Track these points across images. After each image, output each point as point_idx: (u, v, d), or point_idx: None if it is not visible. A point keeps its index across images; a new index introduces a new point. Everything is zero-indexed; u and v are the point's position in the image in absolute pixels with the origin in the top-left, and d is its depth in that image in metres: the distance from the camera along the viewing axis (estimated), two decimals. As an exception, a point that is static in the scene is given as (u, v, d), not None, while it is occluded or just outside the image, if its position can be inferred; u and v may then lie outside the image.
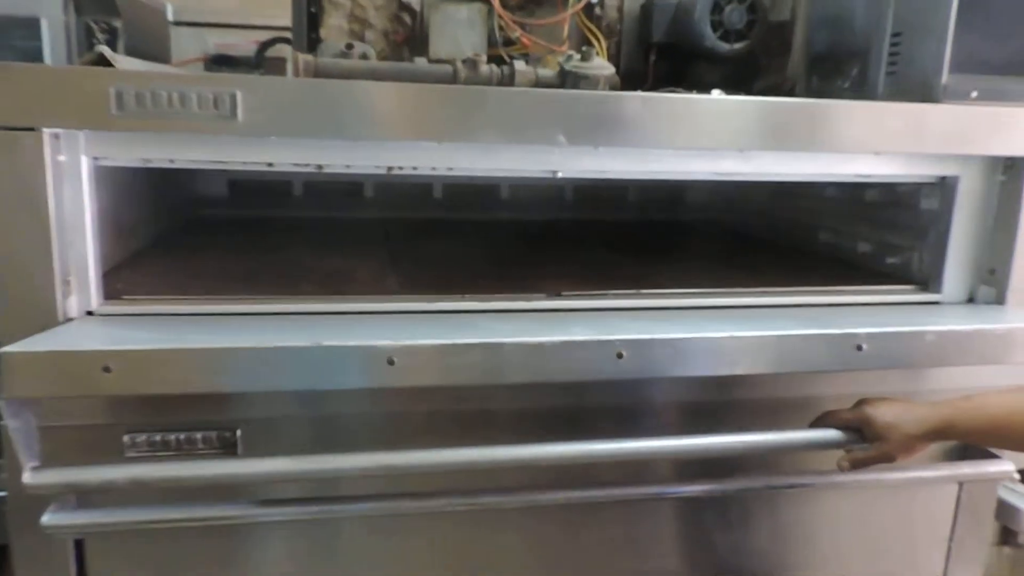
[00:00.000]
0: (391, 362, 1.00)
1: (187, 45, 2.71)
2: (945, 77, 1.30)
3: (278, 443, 1.19)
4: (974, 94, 1.31)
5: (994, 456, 1.37)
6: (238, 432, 1.17)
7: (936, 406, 1.14)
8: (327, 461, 1.05)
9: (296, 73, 1.23)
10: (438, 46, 1.56)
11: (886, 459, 1.15)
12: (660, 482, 1.27)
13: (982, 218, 1.37)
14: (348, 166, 1.17)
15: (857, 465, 1.17)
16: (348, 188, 2.15)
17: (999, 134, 1.29)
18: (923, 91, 1.32)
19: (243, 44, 2.70)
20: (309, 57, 1.24)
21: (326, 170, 1.18)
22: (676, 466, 1.30)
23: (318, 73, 1.23)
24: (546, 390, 1.25)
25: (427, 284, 1.32)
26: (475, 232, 2.00)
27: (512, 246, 1.86)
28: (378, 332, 1.05)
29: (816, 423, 1.21)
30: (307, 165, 1.17)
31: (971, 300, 1.39)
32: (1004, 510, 1.45)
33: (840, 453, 1.20)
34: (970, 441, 1.19)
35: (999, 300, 1.36)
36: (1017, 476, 1.44)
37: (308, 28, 1.69)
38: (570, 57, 1.29)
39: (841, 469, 1.18)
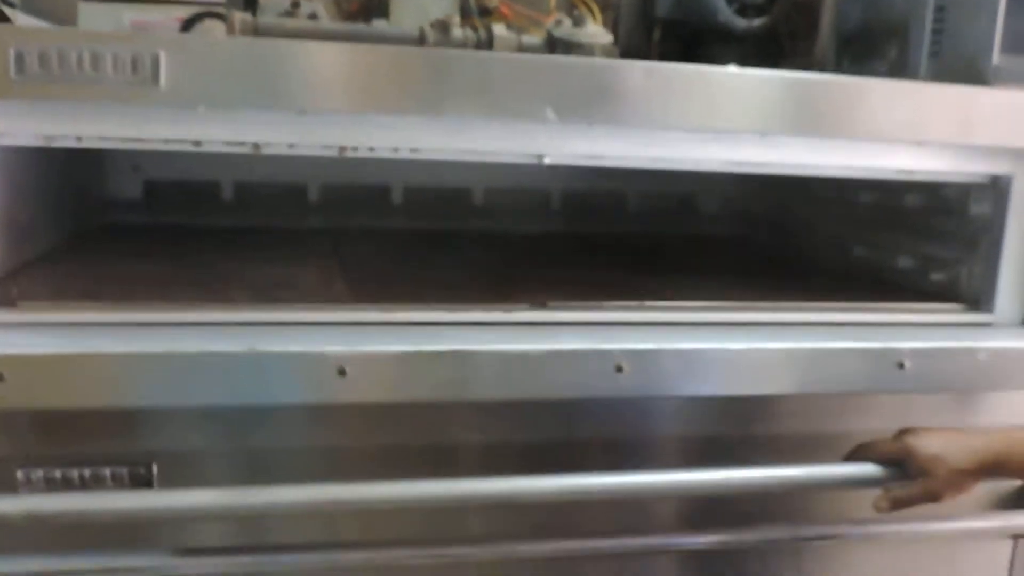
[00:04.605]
0: (342, 372, 1.00)
1: (99, 23, 2.73)
2: (996, 58, 1.34)
3: (201, 482, 1.17)
4: (1030, 77, 1.35)
5: (1058, 505, 1.39)
6: (154, 467, 1.15)
7: (990, 437, 1.16)
8: (259, 495, 1.04)
9: (231, 34, 1.24)
10: (401, 15, 1.58)
11: (931, 498, 1.16)
12: (663, 531, 1.27)
13: (1041, 226, 1.41)
14: (291, 145, 1.18)
15: (898, 505, 1.18)
16: (288, 191, 2.15)
17: (1061, 125, 1.34)
18: (971, 74, 1.37)
19: (165, 21, 2.71)
20: (247, 16, 1.26)
21: (265, 151, 1.18)
22: (683, 511, 1.30)
23: (258, 34, 1.25)
24: (527, 418, 1.25)
25: (384, 294, 1.32)
26: (443, 244, 2.01)
27: (488, 257, 1.86)
28: (326, 340, 1.05)
29: (851, 456, 1.22)
30: (242, 144, 1.17)
31: (1028, 321, 1.43)
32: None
33: (878, 492, 1.21)
34: (1027, 478, 1.21)
35: (1060, 322, 1.39)
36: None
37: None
38: (560, 23, 1.32)
39: (878, 510, 1.19)
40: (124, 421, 1.14)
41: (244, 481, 1.18)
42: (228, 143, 1.16)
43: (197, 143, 1.16)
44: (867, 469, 1.18)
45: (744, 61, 1.71)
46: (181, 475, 1.16)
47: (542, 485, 1.09)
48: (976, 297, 1.45)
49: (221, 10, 1.77)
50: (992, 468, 1.15)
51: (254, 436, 1.19)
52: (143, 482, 1.15)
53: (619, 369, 1.05)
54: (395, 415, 1.21)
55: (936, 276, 1.57)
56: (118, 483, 1.14)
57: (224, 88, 1.09)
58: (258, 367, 1.00)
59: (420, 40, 1.29)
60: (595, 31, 1.31)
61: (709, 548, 1.29)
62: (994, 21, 1.34)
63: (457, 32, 1.30)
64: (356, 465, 1.21)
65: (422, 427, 1.22)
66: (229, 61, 1.10)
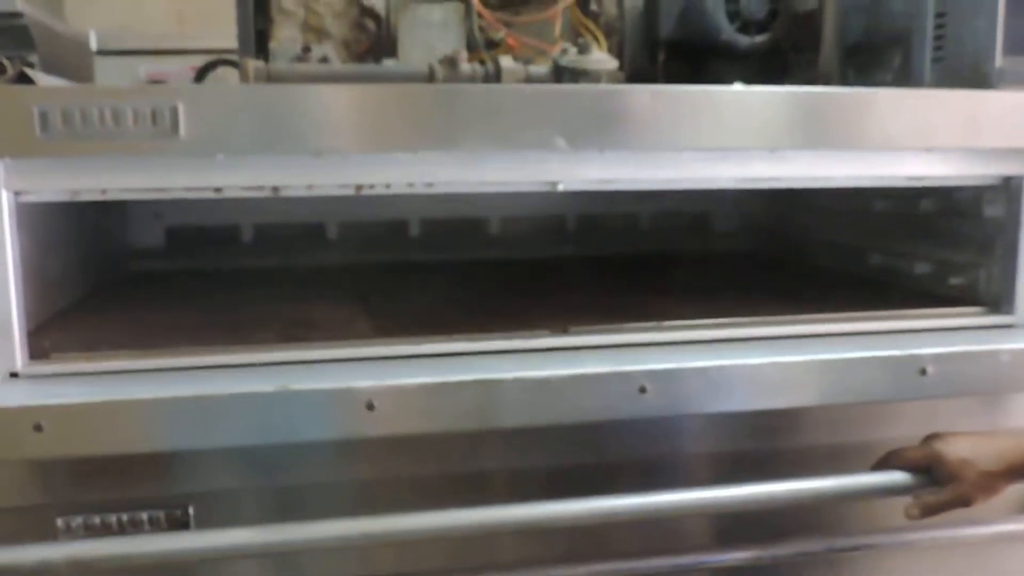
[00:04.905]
0: (371, 407, 1.02)
1: (114, 77, 2.79)
2: (999, 60, 1.36)
3: (237, 522, 1.19)
4: (1034, 78, 1.36)
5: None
6: (190, 509, 1.17)
7: (1019, 438, 1.16)
8: (293, 531, 1.05)
9: (245, 81, 1.27)
10: (409, 53, 1.62)
11: (962, 503, 1.16)
12: (695, 549, 1.28)
13: (1056, 226, 1.41)
14: (309, 187, 1.20)
15: (928, 511, 1.18)
16: (307, 230, 2.18)
17: (1069, 124, 1.34)
18: (975, 77, 1.38)
19: (179, 71, 2.78)
20: (260, 63, 1.29)
21: (283, 193, 1.21)
22: (714, 528, 1.31)
23: (271, 80, 1.28)
24: (555, 444, 1.26)
25: (407, 327, 1.34)
26: (461, 274, 2.03)
27: (506, 285, 1.88)
28: (354, 375, 1.07)
29: (879, 465, 1.22)
30: (261, 188, 1.20)
31: (1051, 322, 1.43)
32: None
33: (908, 500, 1.21)
34: (1062, 479, 1.21)
35: (1081, 321, 1.39)
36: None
37: (256, 46, 1.75)
38: (565, 51, 1.34)
39: (910, 517, 1.19)
40: (159, 465, 1.16)
41: (278, 519, 1.20)
42: (247, 188, 1.19)
43: (218, 190, 1.19)
44: (896, 477, 1.18)
45: (749, 78, 1.73)
46: (217, 516, 1.17)
47: (571, 509, 1.10)
48: (996, 299, 1.45)
49: (234, 57, 1.82)
50: (1022, 470, 1.15)
51: (287, 474, 1.21)
52: (180, 524, 1.17)
53: (642, 390, 1.06)
54: (424, 446, 1.22)
55: (955, 280, 1.57)
56: (156, 526, 1.16)
57: (241, 134, 1.12)
58: (288, 406, 1.02)
59: (430, 77, 1.32)
60: (600, 57, 1.33)
61: (741, 564, 1.30)
62: (995, 24, 1.36)
63: (465, 67, 1.33)
64: (388, 497, 1.23)
65: (451, 456, 1.24)
66: (245, 108, 1.13)
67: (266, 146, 1.14)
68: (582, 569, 1.23)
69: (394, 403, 1.02)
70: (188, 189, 1.18)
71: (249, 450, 1.17)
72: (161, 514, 1.16)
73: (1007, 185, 1.42)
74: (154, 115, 1.10)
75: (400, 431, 1.04)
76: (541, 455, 1.28)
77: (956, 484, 1.16)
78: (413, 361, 1.20)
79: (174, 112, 1.10)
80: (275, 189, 1.20)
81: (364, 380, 1.03)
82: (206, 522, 1.17)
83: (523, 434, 1.23)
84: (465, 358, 1.22)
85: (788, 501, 1.18)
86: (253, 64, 1.30)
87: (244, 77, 1.33)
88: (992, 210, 1.47)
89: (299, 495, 1.22)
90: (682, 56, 1.80)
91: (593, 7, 1.75)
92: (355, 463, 1.23)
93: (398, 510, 1.13)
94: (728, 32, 1.68)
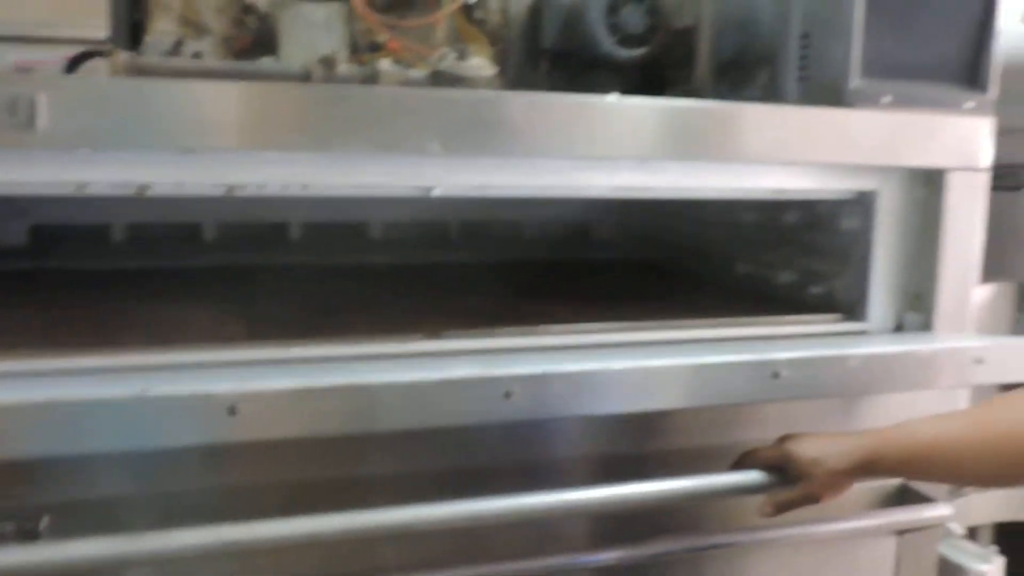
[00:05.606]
0: (233, 412, 0.99)
1: (-21, 64, 2.66)
2: (855, 81, 1.43)
3: (98, 531, 1.14)
4: (887, 99, 1.44)
5: (930, 500, 1.47)
6: (44, 521, 1.12)
7: (862, 437, 1.23)
8: (151, 541, 1.02)
9: (114, 74, 1.24)
10: (290, 52, 1.59)
11: (812, 500, 1.22)
12: (565, 551, 1.30)
13: (905, 238, 1.50)
14: (179, 185, 1.17)
15: (780, 509, 1.23)
16: (183, 231, 2.12)
17: (918, 143, 1.43)
18: (833, 96, 1.45)
19: (50, 61, 2.66)
20: (128, 55, 1.25)
21: (151, 191, 1.17)
22: (583, 530, 1.34)
23: (140, 74, 1.24)
24: (431, 448, 1.26)
25: (280, 331, 1.32)
26: (341, 278, 2.01)
27: (385, 290, 1.88)
28: (217, 380, 1.04)
29: (736, 465, 1.27)
30: (127, 185, 1.16)
31: (899, 328, 1.51)
32: (947, 569, 1.55)
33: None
34: (901, 475, 1.28)
35: (926, 327, 1.48)
36: (958, 528, 1.55)
37: (131, 37, 1.70)
38: (444, 56, 1.35)
39: (763, 515, 1.24)
40: (11, 474, 1.11)
41: (144, 527, 1.16)
42: (113, 185, 1.15)
43: (82, 186, 1.15)
44: (751, 476, 1.23)
45: (629, 90, 1.77)
46: (74, 528, 1.12)
47: (443, 512, 1.11)
48: (851, 307, 1.53)
49: (108, 48, 1.75)
50: (867, 467, 1.21)
51: (148, 482, 1.18)
52: (31, 537, 1.12)
53: (508, 395, 1.08)
54: (296, 451, 1.21)
55: (815, 289, 1.65)
56: (4, 540, 1.10)
57: (106, 129, 1.08)
58: (148, 411, 0.98)
59: (305, 77, 1.30)
60: (478, 64, 1.34)
61: (610, 565, 1.32)
62: (851, 46, 1.43)
63: (343, 68, 1.32)
64: (259, 503, 1.20)
65: (324, 462, 1.23)
66: (111, 101, 1.09)
67: (133, 142, 1.10)
68: (458, 572, 1.23)
69: (258, 408, 1.01)
70: (48, 185, 1.13)
71: (109, 457, 1.13)
72: (10, 526, 1.11)
73: (862, 199, 1.50)
74: (12, 105, 1.05)
75: (264, 436, 1.03)
76: (416, 459, 1.27)
77: (806, 482, 1.21)
78: (281, 365, 1.19)
79: (31, 104, 1.05)
80: (142, 187, 1.17)
81: (226, 384, 1.01)
82: (63, 534, 1.12)
83: (398, 438, 1.22)
84: (335, 362, 1.20)
85: (649, 501, 1.21)
86: (121, 56, 1.27)
87: (113, 70, 1.28)
88: (848, 223, 1.55)
89: (163, 505, 1.19)
90: (565, 66, 1.83)
91: (479, 14, 1.76)
92: (224, 469, 1.20)
93: (270, 516, 1.11)
94: (608, 45, 1.72)
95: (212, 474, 1.21)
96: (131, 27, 1.69)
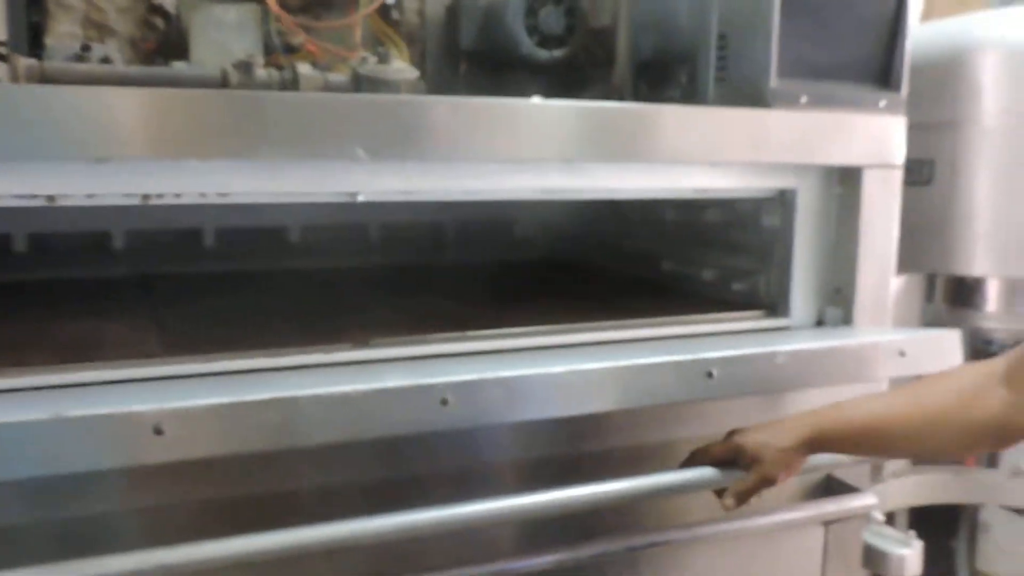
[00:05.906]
0: (159, 431, 0.96)
1: None
2: (773, 81, 1.46)
3: (16, 561, 1.09)
4: (804, 99, 1.47)
5: (856, 490, 1.51)
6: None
7: (804, 416, 1.26)
8: (72, 569, 0.97)
9: (16, 81, 1.18)
10: (201, 55, 1.54)
11: (767, 482, 1.24)
12: (506, 556, 1.29)
13: (824, 234, 1.54)
14: (90, 195, 1.12)
15: (741, 498, 1.25)
16: (90, 240, 2.04)
17: (835, 142, 1.47)
18: (752, 96, 1.48)
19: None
20: (32, 61, 1.19)
21: (60, 202, 1.12)
22: (525, 534, 1.33)
23: (46, 80, 1.19)
24: (363, 459, 1.24)
25: (200, 344, 1.28)
26: (259, 285, 1.96)
27: (307, 296, 1.84)
28: (139, 398, 1.01)
29: (687, 463, 1.28)
30: (35, 196, 1.11)
31: (820, 323, 1.55)
32: (871, 555, 1.60)
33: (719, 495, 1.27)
34: (843, 450, 1.31)
35: (846, 321, 1.52)
36: (881, 516, 1.60)
37: (30, 41, 1.63)
38: (364, 60, 1.32)
39: (727, 508, 1.25)
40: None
41: (64, 555, 1.11)
42: (19, 196, 1.10)
43: (-17, 197, 1.09)
44: (705, 472, 1.25)
45: (549, 90, 1.78)
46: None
47: (376, 525, 1.09)
48: (774, 303, 1.57)
49: (3, 52, 1.67)
50: (812, 443, 1.24)
51: (69, 505, 1.13)
52: (-60, 567, 1.06)
53: (444, 402, 1.06)
54: (223, 468, 1.17)
55: (737, 286, 1.68)
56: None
57: (10, 138, 1.03)
58: (65, 434, 0.94)
59: (223, 82, 1.26)
60: (401, 67, 1.33)
61: (547, 568, 1.32)
62: (769, 47, 1.45)
63: (261, 73, 1.29)
64: (187, 523, 1.17)
65: (254, 478, 1.20)
66: (14, 110, 1.03)
67: (39, 152, 1.05)
68: (388, 585, 1.22)
69: (184, 426, 0.97)
70: (-53, 195, 1.07)
71: (25, 483, 1.08)
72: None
73: (782, 197, 1.53)
74: (-96, 117, 0.99)
75: (193, 455, 0.99)
76: (348, 471, 1.25)
77: (758, 466, 1.23)
78: (206, 380, 1.15)
79: (-74, 114, 1.00)
80: (51, 198, 1.11)
81: (150, 403, 0.97)
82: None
83: (328, 451, 1.20)
84: (262, 375, 1.18)
85: (601, 503, 1.21)
86: (24, 62, 1.20)
87: (14, 76, 1.22)
88: (769, 220, 1.58)
89: (86, 528, 1.14)
90: (484, 67, 1.82)
91: (395, 15, 1.74)
92: (149, 489, 1.16)
93: (199, 536, 1.07)
94: (527, 45, 1.71)
95: (137, 495, 1.16)
96: (32, 29, 1.62)
